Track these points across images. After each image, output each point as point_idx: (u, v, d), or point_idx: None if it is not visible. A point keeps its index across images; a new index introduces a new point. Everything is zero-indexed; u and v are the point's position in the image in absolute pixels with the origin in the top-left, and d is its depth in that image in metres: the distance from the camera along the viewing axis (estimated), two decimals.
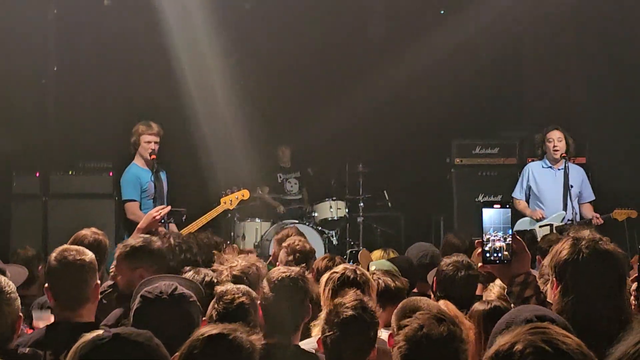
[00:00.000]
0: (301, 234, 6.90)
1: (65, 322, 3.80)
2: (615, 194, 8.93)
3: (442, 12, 11.28)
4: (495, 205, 3.14)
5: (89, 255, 3.99)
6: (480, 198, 10.45)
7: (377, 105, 11.12)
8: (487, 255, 3.16)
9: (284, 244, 6.20)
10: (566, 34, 10.65)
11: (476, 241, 3.21)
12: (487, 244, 3.15)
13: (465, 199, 10.57)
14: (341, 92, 10.95)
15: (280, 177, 11.28)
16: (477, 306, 3.96)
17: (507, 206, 3.15)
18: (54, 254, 3.96)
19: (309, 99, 11.25)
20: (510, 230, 3.15)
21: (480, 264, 3.25)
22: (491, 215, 3.14)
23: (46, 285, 3.94)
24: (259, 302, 3.97)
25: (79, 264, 3.89)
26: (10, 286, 3.33)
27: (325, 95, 11.16)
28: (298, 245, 6.04)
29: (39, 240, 9.21)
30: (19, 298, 3.38)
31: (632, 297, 3.00)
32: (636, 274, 2.93)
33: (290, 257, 5.90)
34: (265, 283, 4.10)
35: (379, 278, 4.73)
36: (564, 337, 2.00)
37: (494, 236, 3.14)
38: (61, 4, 10.32)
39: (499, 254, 3.14)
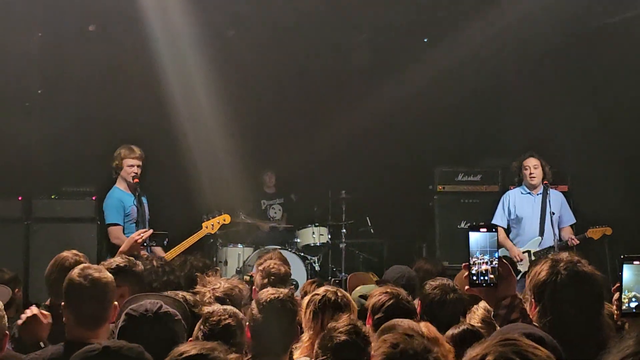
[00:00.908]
0: (284, 259, 6.87)
1: (81, 343, 3.56)
2: (598, 221, 8.95)
3: (425, 40, 11.36)
4: (481, 229, 3.18)
5: (109, 275, 3.93)
6: (462, 225, 10.49)
7: (361, 132, 11.16)
8: (474, 278, 3.19)
9: (259, 267, 6.17)
10: (548, 64, 10.75)
11: (463, 264, 3.23)
12: (473, 267, 3.18)
13: (448, 225, 10.62)
14: (325, 119, 10.98)
15: (264, 203, 11.28)
16: (449, 330, 4.01)
17: (494, 230, 3.18)
18: (75, 271, 3.85)
19: (292, 126, 11.27)
20: (496, 254, 3.17)
21: (466, 287, 3.26)
22: (477, 239, 3.17)
23: (63, 303, 3.83)
24: (246, 323, 3.95)
25: (103, 282, 3.83)
26: None
27: (308, 122, 11.19)
28: (273, 268, 6.00)
29: (21, 264, 9.15)
30: (5, 316, 3.36)
31: (615, 307, 3.03)
32: (618, 284, 2.96)
33: (265, 280, 5.86)
34: (254, 304, 4.08)
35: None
36: (534, 349, 2.03)
37: (481, 259, 3.17)
38: (46, 28, 10.32)
39: (486, 277, 3.17)
